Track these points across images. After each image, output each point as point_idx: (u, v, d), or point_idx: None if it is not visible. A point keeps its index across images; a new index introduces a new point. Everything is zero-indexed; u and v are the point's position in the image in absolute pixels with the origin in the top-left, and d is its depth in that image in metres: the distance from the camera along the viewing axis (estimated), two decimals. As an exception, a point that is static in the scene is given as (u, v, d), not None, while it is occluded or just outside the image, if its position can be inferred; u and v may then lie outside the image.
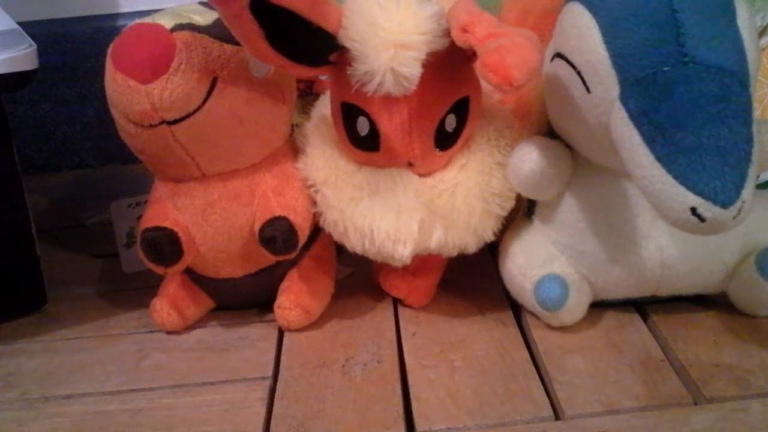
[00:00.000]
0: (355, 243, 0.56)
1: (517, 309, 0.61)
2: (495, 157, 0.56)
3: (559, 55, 0.51)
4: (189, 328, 0.62)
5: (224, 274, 0.60)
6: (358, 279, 0.66)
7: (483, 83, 0.55)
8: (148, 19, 0.53)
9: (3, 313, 0.64)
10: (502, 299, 0.62)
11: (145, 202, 0.60)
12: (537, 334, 0.57)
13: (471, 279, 0.65)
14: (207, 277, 0.61)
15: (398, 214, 0.55)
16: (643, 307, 0.59)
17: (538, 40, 0.47)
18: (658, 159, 0.44)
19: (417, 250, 0.56)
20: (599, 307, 0.58)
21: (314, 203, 0.57)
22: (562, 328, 0.57)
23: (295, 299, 0.59)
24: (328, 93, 0.58)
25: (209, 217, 0.57)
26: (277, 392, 0.53)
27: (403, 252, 0.55)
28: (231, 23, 0.49)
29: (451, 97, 0.53)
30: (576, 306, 0.57)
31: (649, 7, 0.46)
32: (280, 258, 0.57)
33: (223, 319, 0.63)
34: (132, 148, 0.56)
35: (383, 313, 0.62)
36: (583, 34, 0.49)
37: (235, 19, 0.48)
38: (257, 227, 0.56)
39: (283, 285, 0.61)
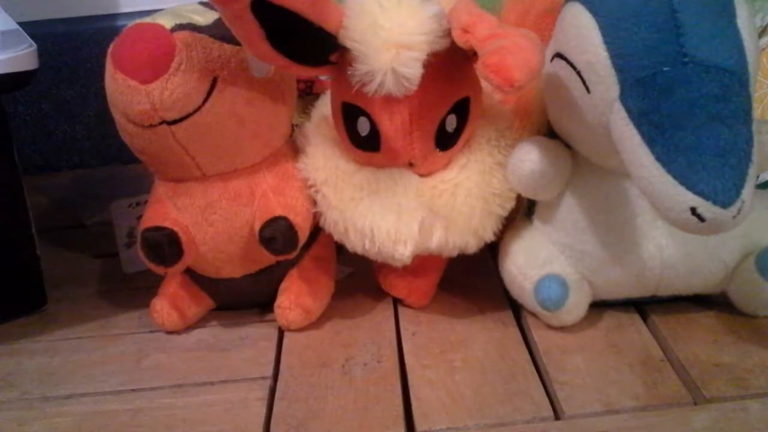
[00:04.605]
0: (355, 243, 0.56)
1: (517, 309, 0.61)
2: (495, 157, 0.56)
3: (559, 55, 0.51)
4: (189, 328, 0.62)
5: (224, 274, 0.60)
6: (358, 279, 0.66)
7: (483, 83, 0.55)
8: (148, 19, 0.53)
9: (3, 313, 0.64)
10: (502, 299, 0.62)
11: (145, 202, 0.60)
12: (537, 334, 0.57)
13: (471, 279, 0.65)
14: (207, 277, 0.61)
15: (399, 214, 0.55)
16: (643, 307, 0.59)
17: (539, 41, 0.47)
18: (658, 159, 0.44)
19: (417, 250, 0.56)
20: (599, 307, 0.58)
21: (314, 203, 0.57)
22: (562, 328, 0.57)
23: (295, 299, 0.59)
24: (328, 93, 0.58)
25: (209, 217, 0.57)
26: (277, 392, 0.53)
27: (403, 252, 0.55)
28: (232, 23, 0.49)
29: (451, 98, 0.53)
30: (576, 306, 0.57)
31: (649, 7, 0.46)
32: (281, 258, 0.57)
33: (223, 319, 0.63)
34: (132, 148, 0.56)
35: (383, 313, 0.62)
36: (583, 34, 0.49)
37: (236, 19, 0.48)
38: (257, 227, 0.56)
39: (283, 285, 0.61)
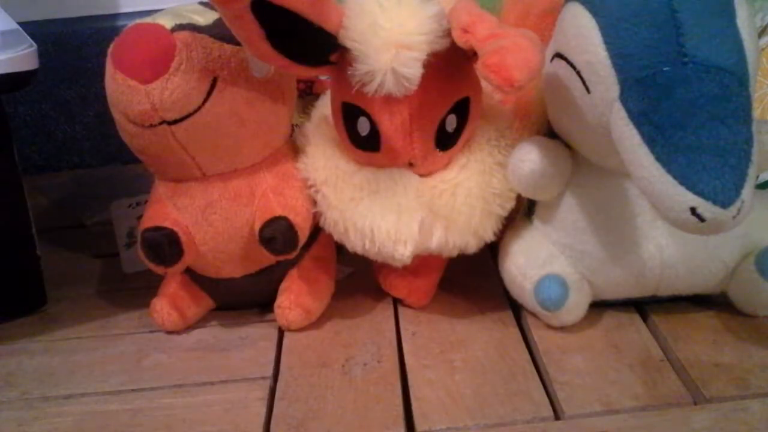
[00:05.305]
0: (355, 243, 0.56)
1: (517, 309, 0.61)
2: (495, 157, 0.56)
3: (559, 56, 0.51)
4: (189, 328, 0.62)
5: (224, 274, 0.60)
6: (358, 279, 0.66)
7: (483, 83, 0.55)
8: (148, 19, 0.53)
9: (3, 313, 0.64)
10: (502, 299, 0.62)
11: (145, 202, 0.60)
12: (537, 334, 0.57)
13: (471, 279, 0.65)
14: (207, 277, 0.61)
15: (399, 214, 0.55)
16: (643, 307, 0.59)
17: (539, 41, 0.47)
18: (658, 159, 0.44)
19: (417, 250, 0.56)
20: (599, 307, 0.58)
21: (314, 203, 0.57)
22: (562, 328, 0.57)
23: (295, 299, 0.59)
24: (328, 93, 0.58)
25: (209, 217, 0.57)
26: (277, 392, 0.53)
27: (403, 252, 0.55)
28: (232, 23, 0.49)
29: (451, 98, 0.53)
30: (576, 306, 0.57)
31: (649, 7, 0.46)
32: (281, 258, 0.57)
33: (223, 319, 0.63)
34: (132, 148, 0.56)
35: (383, 313, 0.62)
36: (583, 34, 0.49)
37: (236, 20, 0.48)
38: (257, 227, 0.56)
39: (283, 285, 0.61)
